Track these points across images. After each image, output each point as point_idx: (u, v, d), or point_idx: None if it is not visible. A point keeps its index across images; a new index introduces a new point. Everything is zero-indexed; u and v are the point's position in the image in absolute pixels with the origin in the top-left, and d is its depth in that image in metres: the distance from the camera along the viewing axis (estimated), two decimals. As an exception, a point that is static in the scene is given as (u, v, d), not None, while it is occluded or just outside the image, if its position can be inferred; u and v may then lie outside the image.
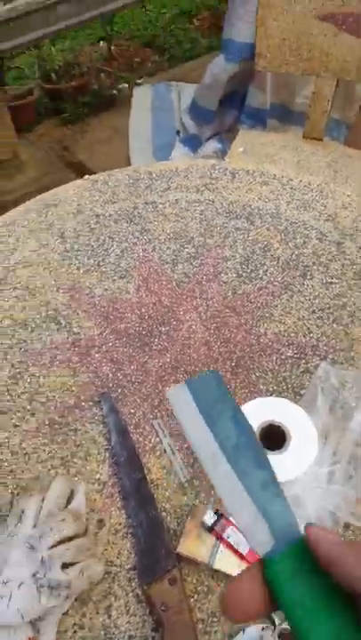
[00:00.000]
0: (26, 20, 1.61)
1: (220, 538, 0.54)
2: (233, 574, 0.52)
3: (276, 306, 0.80)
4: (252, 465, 0.28)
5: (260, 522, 0.27)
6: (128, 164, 2.10)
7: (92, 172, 1.09)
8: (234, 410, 0.30)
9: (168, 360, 0.73)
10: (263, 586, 0.25)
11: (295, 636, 0.24)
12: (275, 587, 0.25)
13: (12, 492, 0.60)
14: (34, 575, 0.50)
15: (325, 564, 0.24)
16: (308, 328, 0.76)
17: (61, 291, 0.84)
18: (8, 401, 0.70)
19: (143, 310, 0.81)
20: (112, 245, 0.91)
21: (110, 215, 0.97)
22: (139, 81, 2.65)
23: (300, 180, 1.02)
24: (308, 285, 0.82)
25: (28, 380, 0.72)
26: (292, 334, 0.76)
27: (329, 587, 0.24)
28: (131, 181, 1.04)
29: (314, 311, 0.79)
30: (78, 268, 0.87)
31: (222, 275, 0.85)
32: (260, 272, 0.85)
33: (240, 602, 0.25)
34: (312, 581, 0.25)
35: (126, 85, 2.61)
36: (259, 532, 0.26)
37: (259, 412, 0.61)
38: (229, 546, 0.53)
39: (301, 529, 0.26)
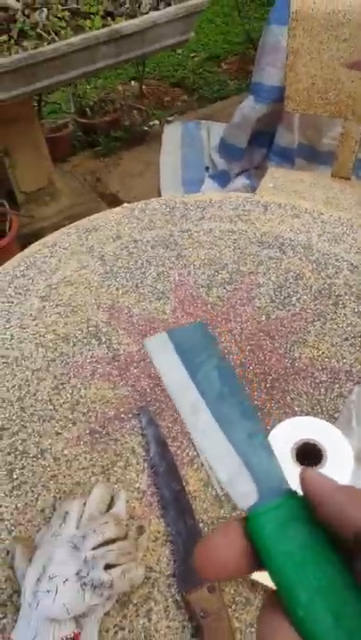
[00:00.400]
0: (68, 59, 1.71)
1: (257, 548, 0.55)
2: (270, 585, 0.53)
3: (310, 332, 0.82)
4: (237, 414, 0.26)
5: (243, 472, 0.24)
6: (158, 196, 2.18)
7: (123, 203, 1.15)
8: (218, 359, 0.27)
9: (204, 378, 0.76)
10: (244, 540, 0.23)
11: (282, 594, 0.21)
12: (259, 540, 0.22)
13: (54, 496, 0.63)
14: (77, 573, 0.52)
15: (315, 503, 0.22)
16: (342, 354, 0.79)
17: (101, 309, 0.87)
18: (51, 410, 0.72)
19: (180, 330, 0.84)
20: (149, 269, 0.95)
21: (148, 241, 1.01)
22: (169, 118, 2.76)
23: (331, 215, 1.06)
24: (340, 314, 0.85)
25: (70, 391, 0.75)
26: (326, 359, 0.78)
27: (320, 540, 0.22)
28: (167, 210, 1.08)
29: (347, 338, 0.81)
30: (117, 289, 0.91)
31: (256, 300, 0.88)
32: (294, 299, 0.88)
33: (216, 557, 0.22)
34: (301, 534, 0.22)
35: (157, 122, 2.72)
36: (242, 483, 0.24)
37: (294, 430, 0.63)
38: (267, 557, 0.54)
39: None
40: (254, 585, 0.55)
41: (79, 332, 0.84)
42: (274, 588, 0.22)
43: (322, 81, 1.41)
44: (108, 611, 0.53)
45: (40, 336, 0.83)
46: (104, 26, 1.65)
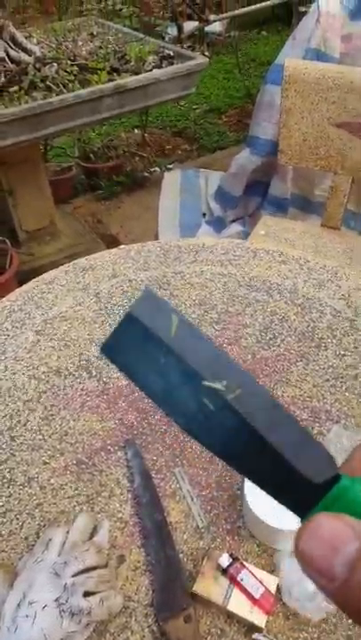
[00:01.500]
0: (74, 109, 1.81)
1: (234, 580, 0.57)
2: (246, 617, 0.54)
3: (293, 372, 0.86)
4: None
5: (310, 442, 0.23)
6: (156, 239, 2.25)
7: (121, 244, 1.20)
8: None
9: (190, 413, 0.78)
10: (347, 519, 0.20)
11: None
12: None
13: (38, 524, 0.64)
14: (57, 600, 0.53)
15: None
16: (323, 394, 0.82)
17: (94, 344, 0.91)
18: (40, 439, 0.75)
19: (169, 367, 0.87)
20: (142, 307, 0.99)
21: (142, 280, 1.06)
22: (170, 166, 2.88)
23: (317, 262, 1.11)
24: (322, 355, 0.88)
25: (60, 422, 0.77)
26: (308, 399, 0.81)
27: None
28: (162, 252, 1.14)
29: (328, 379, 0.84)
30: (110, 325, 0.95)
31: (242, 340, 0.92)
32: (278, 340, 0.92)
33: (323, 534, 0.20)
34: None
35: (158, 169, 2.83)
36: (312, 455, 0.23)
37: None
38: (243, 589, 0.56)
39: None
40: (230, 617, 0.56)
41: (71, 366, 0.87)
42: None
43: (313, 138, 1.49)
44: (86, 639, 0.54)
45: (33, 368, 0.86)
46: (110, 80, 1.76)
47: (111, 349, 0.26)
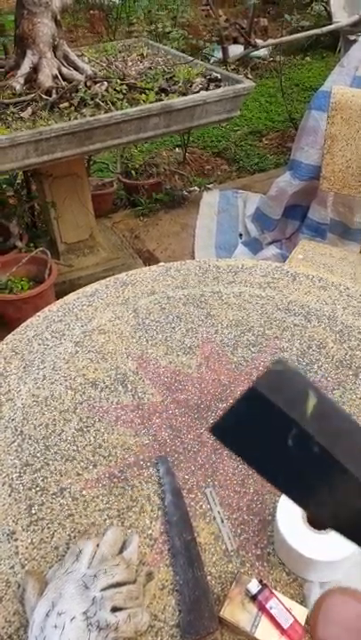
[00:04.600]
0: (121, 126, 1.85)
1: (262, 608, 0.56)
2: (272, 646, 0.54)
3: (329, 399, 0.85)
4: None
5: None
6: (192, 257, 2.27)
7: (158, 261, 1.22)
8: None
9: (223, 434, 0.78)
10: None
11: None
12: None
13: (69, 535, 0.65)
14: (85, 613, 0.53)
15: None
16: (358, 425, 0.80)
17: (131, 358, 0.92)
18: (74, 450, 0.76)
19: (203, 385, 0.87)
20: (179, 324, 1.00)
21: (180, 298, 1.07)
22: (209, 185, 2.91)
23: (357, 290, 1.10)
24: (360, 385, 0.87)
25: (94, 434, 0.78)
26: (342, 427, 0.80)
27: None
28: (200, 272, 1.15)
29: (364, 409, 0.83)
30: (147, 341, 0.96)
31: (279, 364, 0.92)
32: (315, 366, 0.91)
33: None
34: None
35: (197, 189, 2.86)
36: None
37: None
38: (271, 617, 0.55)
39: None
40: (256, 645, 0.55)
41: (107, 379, 0.88)
42: None
43: (356, 165, 1.49)
44: (111, 654, 0.53)
45: (70, 379, 0.88)
46: (157, 100, 1.80)
47: (224, 431, 0.24)
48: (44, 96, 1.77)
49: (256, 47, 3.10)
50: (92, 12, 4.73)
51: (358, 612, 0.56)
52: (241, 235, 2.42)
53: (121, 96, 1.82)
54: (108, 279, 1.12)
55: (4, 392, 0.85)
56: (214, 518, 0.67)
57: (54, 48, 1.85)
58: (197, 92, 1.86)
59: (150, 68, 2.04)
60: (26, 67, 1.82)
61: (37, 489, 0.71)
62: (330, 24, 3.10)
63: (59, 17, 1.85)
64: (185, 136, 3.12)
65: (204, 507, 0.69)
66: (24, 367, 0.90)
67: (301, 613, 0.56)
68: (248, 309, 1.04)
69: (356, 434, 0.24)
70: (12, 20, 2.23)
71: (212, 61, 3.67)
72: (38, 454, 0.76)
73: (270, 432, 0.24)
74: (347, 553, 0.58)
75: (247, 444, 0.24)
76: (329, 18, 3.39)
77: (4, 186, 2.20)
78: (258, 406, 0.24)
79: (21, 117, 1.72)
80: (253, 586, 0.57)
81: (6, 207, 2.18)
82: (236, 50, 3.69)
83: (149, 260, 2.27)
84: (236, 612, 0.56)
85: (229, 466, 0.74)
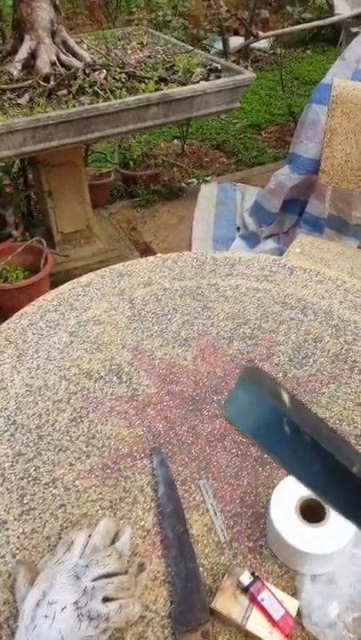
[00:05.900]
0: (119, 116, 1.83)
1: (254, 600, 0.56)
2: (264, 639, 0.54)
3: (324, 393, 0.85)
4: None
5: None
6: (189, 249, 2.26)
7: (155, 253, 1.21)
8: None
9: (218, 427, 0.78)
10: None
11: None
12: None
13: (61, 525, 0.64)
14: (76, 602, 0.53)
15: None
16: (353, 418, 0.80)
17: (126, 349, 0.91)
18: (67, 441, 0.75)
19: (198, 377, 0.87)
20: (175, 316, 0.99)
21: (176, 290, 1.06)
22: (207, 178, 2.89)
23: (354, 285, 1.10)
24: (355, 379, 0.87)
25: (87, 425, 0.78)
26: (337, 422, 0.80)
27: None
28: (197, 264, 1.14)
29: (359, 403, 0.83)
30: (143, 332, 0.95)
31: (275, 357, 0.91)
32: (311, 360, 0.91)
33: None
34: None
35: (195, 181, 2.84)
36: None
37: (300, 486, 0.65)
38: (263, 609, 0.55)
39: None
40: (248, 636, 0.55)
41: (102, 369, 0.87)
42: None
43: (356, 159, 1.49)
44: (102, 644, 0.53)
45: (65, 369, 0.87)
46: (157, 90, 1.78)
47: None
48: (41, 82, 1.75)
49: (257, 37, 3.07)
50: (91, -1, 4.68)
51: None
52: (238, 228, 2.41)
53: (120, 84, 1.80)
54: (103, 269, 1.11)
55: (-2, 381, 0.85)
56: (207, 510, 0.67)
57: (53, 34, 1.82)
58: (197, 82, 1.84)
59: (150, 57, 2.02)
60: (23, 52, 1.79)
61: (30, 479, 0.71)
62: (332, 16, 3.07)
63: (57, 2, 1.83)
64: (184, 127, 3.10)
65: (197, 499, 0.68)
66: (18, 356, 0.89)
67: (293, 605, 0.56)
68: (245, 302, 1.04)
69: (327, 430, 0.27)
70: (10, 4, 2.20)
71: (211, 52, 3.64)
72: (31, 444, 0.75)
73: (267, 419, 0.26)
74: (339, 546, 0.58)
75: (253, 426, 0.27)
76: (331, 10, 3.36)
77: (1, 174, 2.17)
78: (251, 392, 0.26)
79: (18, 104, 1.70)
80: (245, 578, 0.57)
81: (2, 196, 2.16)
82: (236, 42, 3.65)
83: (146, 251, 2.26)
84: (228, 603, 0.56)
85: (223, 458, 0.74)
